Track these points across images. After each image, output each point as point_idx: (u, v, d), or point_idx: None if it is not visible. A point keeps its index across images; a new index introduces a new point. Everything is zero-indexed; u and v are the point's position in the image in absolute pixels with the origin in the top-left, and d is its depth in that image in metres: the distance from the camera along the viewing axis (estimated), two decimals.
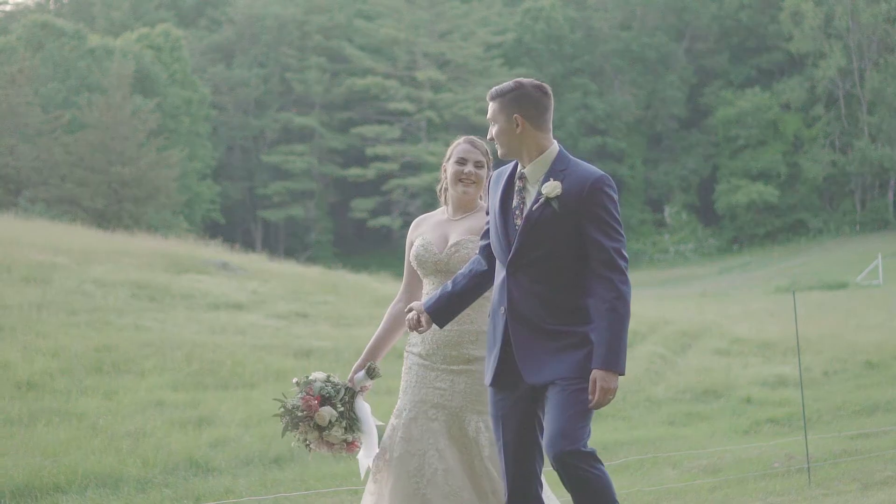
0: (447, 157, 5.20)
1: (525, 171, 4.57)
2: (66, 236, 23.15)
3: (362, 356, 5.21)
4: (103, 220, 38.68)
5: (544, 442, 4.42)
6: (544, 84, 4.58)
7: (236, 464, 8.96)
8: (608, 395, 4.36)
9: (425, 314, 4.68)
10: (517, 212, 4.54)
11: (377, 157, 62.58)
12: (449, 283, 4.75)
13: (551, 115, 4.59)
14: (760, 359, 17.16)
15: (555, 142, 4.58)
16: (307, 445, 5.05)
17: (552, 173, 4.49)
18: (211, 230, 53.54)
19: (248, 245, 53.40)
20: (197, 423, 10.01)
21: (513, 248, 4.51)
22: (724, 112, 64.80)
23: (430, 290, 5.06)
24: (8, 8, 72.44)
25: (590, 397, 4.37)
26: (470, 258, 4.96)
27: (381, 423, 5.09)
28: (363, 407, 5.08)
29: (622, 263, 4.43)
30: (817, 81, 63.71)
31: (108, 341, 12.84)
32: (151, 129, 44.48)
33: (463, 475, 4.87)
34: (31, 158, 40.27)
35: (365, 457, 5.07)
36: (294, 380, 5.12)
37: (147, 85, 54.91)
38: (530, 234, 4.47)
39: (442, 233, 5.13)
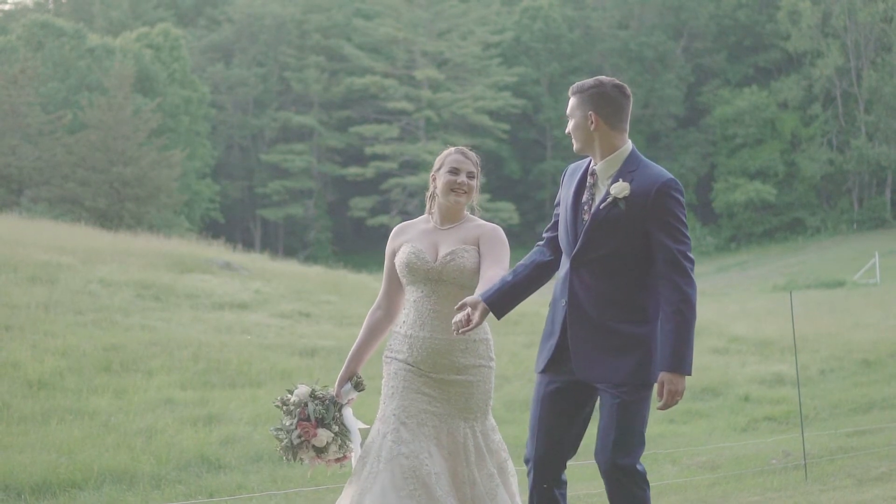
0: (437, 166, 5.09)
1: (596, 167, 4.60)
2: (70, 236, 23.26)
3: (345, 367, 5.14)
4: (105, 219, 38.80)
5: (596, 448, 4.47)
6: (624, 85, 4.60)
7: (246, 460, 9.11)
8: (676, 397, 4.42)
9: (482, 305, 4.48)
10: (586, 207, 4.57)
11: (376, 156, 62.70)
12: (508, 274, 4.66)
13: (627, 116, 4.60)
14: (758, 357, 17.30)
15: (629, 141, 4.62)
16: (301, 461, 5.06)
17: (622, 173, 4.54)
18: (210, 229, 53.67)
19: (248, 244, 53.55)
20: (206, 421, 10.18)
21: (578, 243, 4.54)
22: (721, 111, 64.92)
23: (417, 298, 4.95)
24: (7, 7, 72.62)
25: (658, 400, 4.43)
26: (463, 268, 4.86)
27: (364, 426, 5.08)
28: (348, 415, 5.09)
29: (688, 265, 4.48)
30: (815, 80, 63.85)
31: (115, 341, 13.01)
32: (152, 128, 44.58)
33: (449, 481, 4.82)
34: (33, 158, 40.35)
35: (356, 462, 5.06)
36: (280, 398, 5.04)
37: (146, 84, 55.04)
38: (596, 231, 4.50)
39: (431, 242, 5.01)
